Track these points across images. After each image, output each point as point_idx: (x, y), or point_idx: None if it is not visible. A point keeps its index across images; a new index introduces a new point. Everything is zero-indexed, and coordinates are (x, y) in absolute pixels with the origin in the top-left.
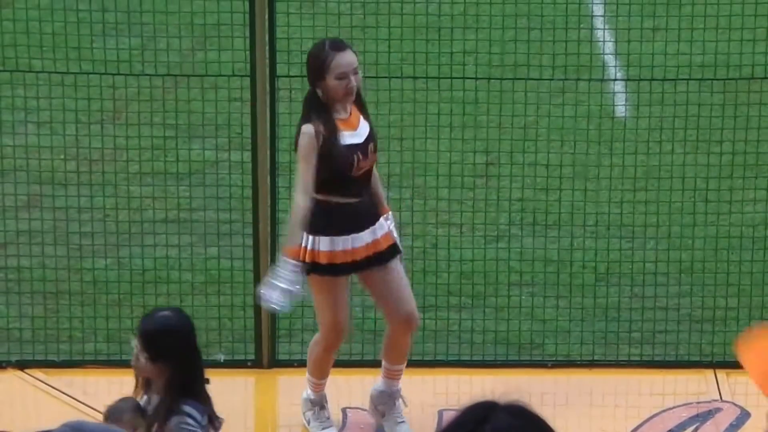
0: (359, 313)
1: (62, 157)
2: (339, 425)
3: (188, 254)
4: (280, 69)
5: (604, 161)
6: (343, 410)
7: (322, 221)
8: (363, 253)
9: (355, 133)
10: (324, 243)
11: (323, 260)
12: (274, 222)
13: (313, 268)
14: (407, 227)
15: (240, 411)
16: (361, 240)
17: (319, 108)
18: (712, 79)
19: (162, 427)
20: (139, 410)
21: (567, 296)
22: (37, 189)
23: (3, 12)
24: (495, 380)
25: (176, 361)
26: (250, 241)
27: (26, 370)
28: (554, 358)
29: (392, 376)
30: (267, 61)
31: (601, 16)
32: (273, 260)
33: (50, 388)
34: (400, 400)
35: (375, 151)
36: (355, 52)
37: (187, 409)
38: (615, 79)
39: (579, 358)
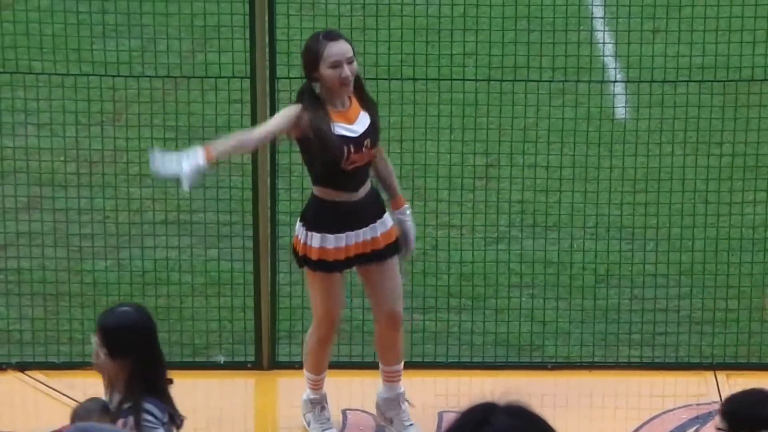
0: (359, 314)
1: (62, 158)
2: (339, 427)
3: (188, 256)
4: (280, 71)
5: (604, 163)
6: (343, 412)
7: (315, 217)
8: (358, 249)
9: (349, 127)
10: (315, 239)
11: (314, 256)
12: (274, 224)
13: (305, 261)
14: None
15: (240, 413)
16: (357, 238)
17: (312, 99)
18: (712, 81)
19: (120, 422)
20: (107, 410)
21: (567, 298)
22: (37, 190)
23: (3, 14)
24: (495, 382)
25: (136, 357)
26: (250, 243)
27: (26, 372)
28: (554, 360)
29: (392, 379)
30: (267, 62)
31: (600, 17)
32: (273, 261)
33: (50, 389)
34: (406, 403)
35: (372, 147)
36: (349, 41)
37: (147, 406)
38: (615, 81)
39: (579, 360)
